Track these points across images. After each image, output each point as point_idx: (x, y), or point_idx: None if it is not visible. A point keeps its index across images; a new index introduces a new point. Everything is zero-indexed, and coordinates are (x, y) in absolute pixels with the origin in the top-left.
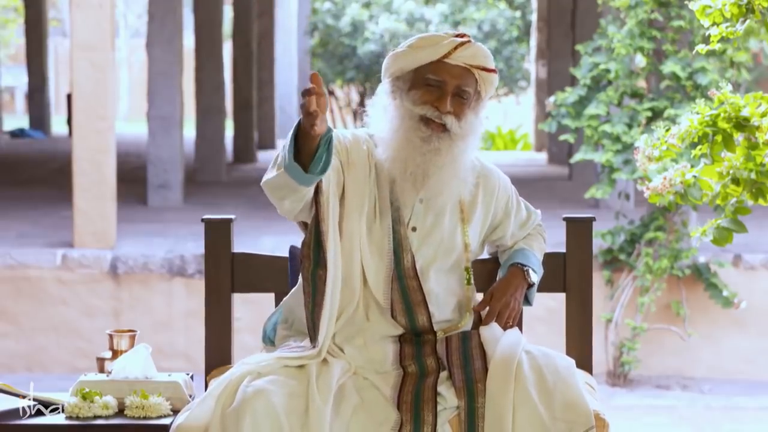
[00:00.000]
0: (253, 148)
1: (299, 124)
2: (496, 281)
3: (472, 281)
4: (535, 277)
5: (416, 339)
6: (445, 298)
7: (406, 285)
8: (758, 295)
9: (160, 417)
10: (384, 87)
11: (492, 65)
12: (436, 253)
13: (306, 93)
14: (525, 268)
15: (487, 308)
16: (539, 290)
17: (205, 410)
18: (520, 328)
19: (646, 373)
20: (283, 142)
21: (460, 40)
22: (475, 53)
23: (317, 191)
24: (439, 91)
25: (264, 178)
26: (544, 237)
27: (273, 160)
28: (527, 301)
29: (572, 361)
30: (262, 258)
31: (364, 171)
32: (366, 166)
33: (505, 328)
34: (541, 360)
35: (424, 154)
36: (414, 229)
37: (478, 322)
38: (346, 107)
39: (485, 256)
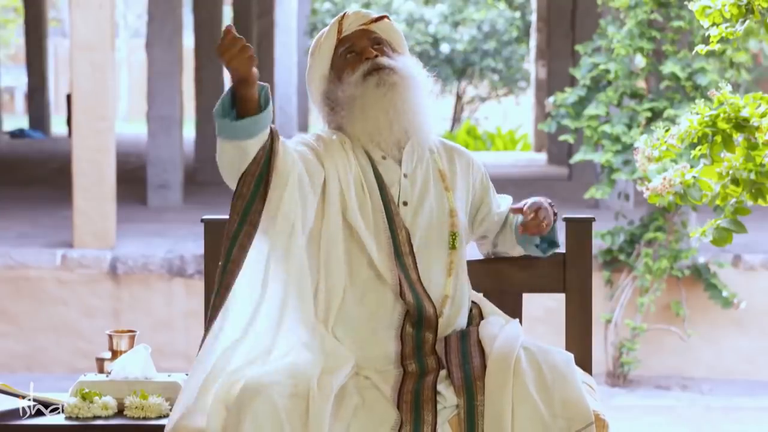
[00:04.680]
0: None
1: (232, 88)
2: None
3: (457, 246)
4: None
5: (418, 336)
6: (435, 268)
7: (404, 262)
8: (758, 295)
9: (159, 417)
10: (323, 104)
11: (378, 15)
12: (430, 224)
13: (231, 43)
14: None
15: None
16: (539, 291)
17: (203, 410)
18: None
19: (646, 373)
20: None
21: (338, 17)
22: (357, 16)
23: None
24: (358, 52)
25: (218, 163)
26: None
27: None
28: (553, 242)
29: (571, 356)
30: None
31: (342, 156)
32: (342, 151)
33: (539, 228)
34: (540, 356)
35: (384, 95)
36: (405, 203)
37: (479, 317)
38: None
39: (476, 256)
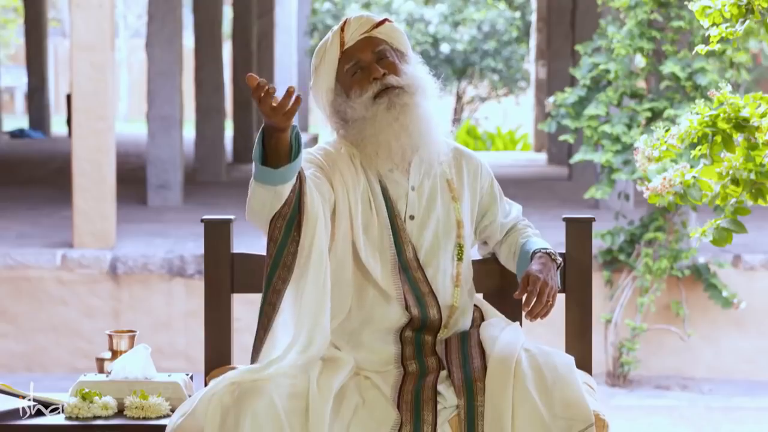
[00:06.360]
0: (252, 148)
1: (264, 131)
2: (526, 269)
3: (463, 257)
4: (559, 258)
5: (417, 338)
6: (443, 279)
7: (412, 276)
8: (758, 295)
9: (159, 417)
10: (332, 115)
11: (380, 19)
12: (436, 237)
13: (265, 95)
14: (548, 250)
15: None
16: None
17: (204, 411)
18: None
19: (646, 373)
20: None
21: (339, 26)
22: (359, 23)
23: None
24: (365, 69)
25: (248, 207)
26: (536, 233)
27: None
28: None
29: (571, 359)
30: (261, 258)
31: (351, 172)
32: (351, 166)
33: (546, 309)
34: (540, 358)
35: (396, 119)
36: (412, 217)
37: (480, 319)
38: None
39: (478, 257)
